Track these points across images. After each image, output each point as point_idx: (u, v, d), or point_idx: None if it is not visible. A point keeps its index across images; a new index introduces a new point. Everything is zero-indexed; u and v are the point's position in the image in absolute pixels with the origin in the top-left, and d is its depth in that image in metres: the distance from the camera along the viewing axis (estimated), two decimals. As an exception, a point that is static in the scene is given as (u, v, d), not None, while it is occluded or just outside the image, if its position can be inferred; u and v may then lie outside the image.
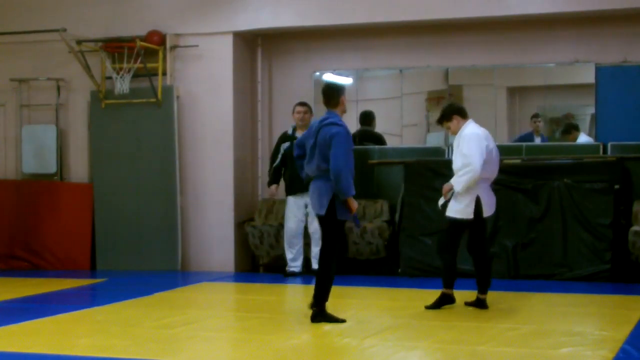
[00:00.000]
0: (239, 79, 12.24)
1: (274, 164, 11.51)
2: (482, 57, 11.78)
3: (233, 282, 11.48)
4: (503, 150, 11.49)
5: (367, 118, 12.20)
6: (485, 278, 8.58)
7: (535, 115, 11.88)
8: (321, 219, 7.96)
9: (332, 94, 8.02)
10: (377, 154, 11.87)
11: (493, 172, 8.66)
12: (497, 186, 10.92)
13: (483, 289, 8.56)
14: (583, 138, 11.70)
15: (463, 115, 8.65)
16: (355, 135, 12.23)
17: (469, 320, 8.04)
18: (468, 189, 8.41)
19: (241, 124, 12.29)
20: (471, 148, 8.38)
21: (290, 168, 11.31)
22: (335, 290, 8.67)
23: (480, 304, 8.53)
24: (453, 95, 11.90)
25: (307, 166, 7.97)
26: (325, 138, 7.79)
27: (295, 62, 12.50)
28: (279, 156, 11.46)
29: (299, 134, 11.38)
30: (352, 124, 12.06)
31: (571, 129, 11.77)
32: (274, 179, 11.52)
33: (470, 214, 8.43)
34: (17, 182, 12.74)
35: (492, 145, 8.58)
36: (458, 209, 8.46)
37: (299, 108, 11.43)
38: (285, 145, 11.41)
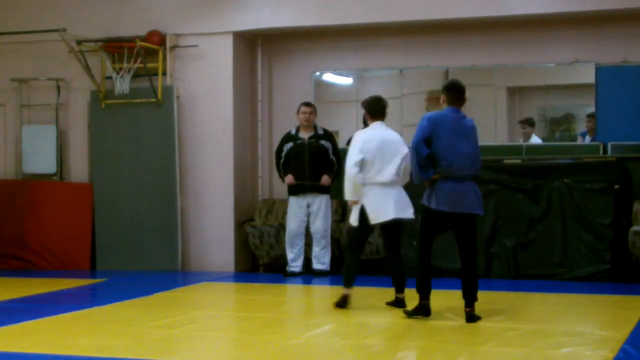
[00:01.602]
0: (239, 79, 12.24)
1: (280, 161, 11.45)
2: (482, 57, 11.78)
3: (233, 282, 11.47)
4: (503, 150, 11.57)
5: (371, 118, 12.17)
6: (400, 278, 8.55)
7: (589, 115, 11.66)
8: (472, 219, 7.97)
9: (463, 93, 8.13)
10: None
11: (384, 176, 8.42)
12: (497, 186, 10.99)
13: (399, 288, 8.53)
14: (535, 139, 11.73)
15: (371, 116, 8.70)
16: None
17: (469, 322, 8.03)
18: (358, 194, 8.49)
19: (241, 124, 12.29)
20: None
21: (292, 168, 11.30)
22: (336, 291, 8.69)
23: (398, 303, 8.51)
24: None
25: (468, 168, 7.91)
26: (473, 133, 8.05)
27: (295, 62, 12.50)
28: (282, 156, 11.44)
29: (302, 134, 11.37)
30: (353, 124, 12.08)
31: (533, 123, 11.79)
32: (285, 172, 11.43)
33: (355, 221, 8.53)
34: (17, 182, 12.74)
35: (378, 145, 8.41)
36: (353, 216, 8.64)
37: (305, 109, 11.40)
38: (289, 145, 11.39)
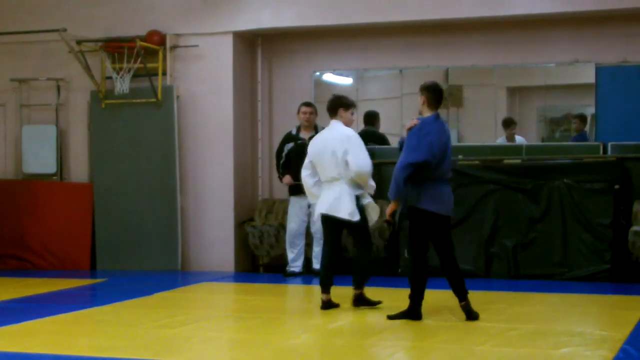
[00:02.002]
0: (239, 79, 12.24)
1: (280, 162, 11.47)
2: (482, 57, 11.78)
3: (233, 282, 11.48)
4: (503, 150, 11.56)
5: (371, 118, 12.16)
6: (358, 274, 8.64)
7: (574, 116, 11.73)
8: (450, 220, 8.11)
9: (443, 95, 8.18)
10: (378, 154, 11.84)
11: (325, 175, 8.68)
12: (497, 186, 10.99)
13: (358, 284, 8.63)
14: (518, 139, 11.78)
15: (329, 115, 8.89)
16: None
17: (469, 320, 8.03)
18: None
19: (241, 124, 12.29)
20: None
21: (293, 169, 11.30)
22: (336, 291, 8.69)
23: (356, 299, 8.63)
24: (453, 95, 11.91)
25: (447, 172, 8.00)
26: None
27: (295, 62, 12.50)
28: (283, 156, 11.43)
29: (303, 134, 11.36)
30: (354, 124, 12.07)
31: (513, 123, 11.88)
32: (284, 173, 11.46)
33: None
34: (17, 182, 12.74)
35: (320, 146, 8.68)
36: None
37: (305, 109, 11.38)
38: (289, 145, 11.38)
